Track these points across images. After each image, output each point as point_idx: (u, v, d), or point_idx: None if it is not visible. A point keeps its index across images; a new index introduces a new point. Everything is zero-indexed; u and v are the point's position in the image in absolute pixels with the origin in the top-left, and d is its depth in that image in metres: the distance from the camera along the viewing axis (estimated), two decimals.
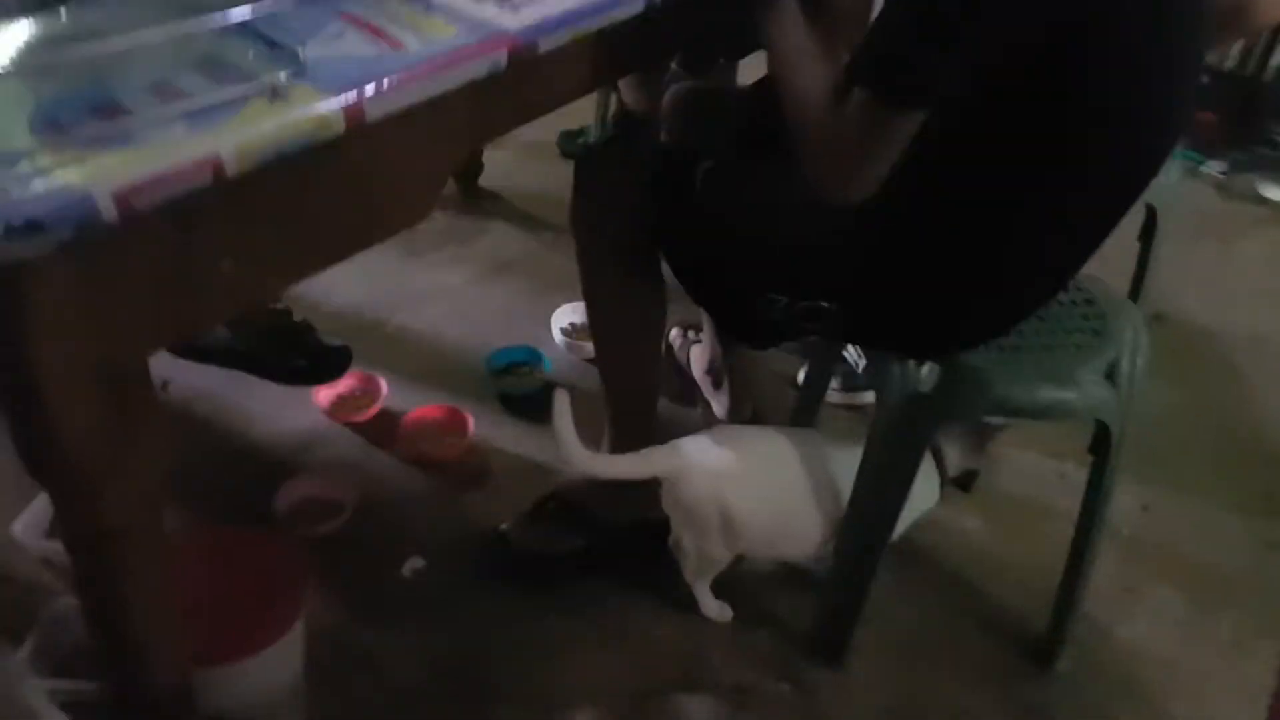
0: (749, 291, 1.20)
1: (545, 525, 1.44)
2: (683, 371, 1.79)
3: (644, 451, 1.33)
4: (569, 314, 1.90)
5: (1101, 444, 1.28)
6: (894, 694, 1.32)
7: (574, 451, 1.28)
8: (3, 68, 0.76)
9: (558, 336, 1.88)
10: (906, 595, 1.45)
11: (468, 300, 2.00)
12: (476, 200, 2.29)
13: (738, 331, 1.40)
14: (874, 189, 0.98)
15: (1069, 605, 1.36)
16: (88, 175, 0.66)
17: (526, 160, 2.37)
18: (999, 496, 1.62)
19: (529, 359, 1.80)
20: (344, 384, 1.71)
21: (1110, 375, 1.22)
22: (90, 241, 0.66)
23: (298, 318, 1.73)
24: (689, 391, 1.76)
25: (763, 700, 1.30)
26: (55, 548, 1.25)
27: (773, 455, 1.36)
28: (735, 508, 1.30)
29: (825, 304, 1.17)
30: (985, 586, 1.49)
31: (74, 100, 0.72)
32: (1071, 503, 1.34)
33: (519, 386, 1.76)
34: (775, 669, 1.34)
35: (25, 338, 0.68)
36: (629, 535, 1.44)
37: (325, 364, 1.70)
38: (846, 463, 1.32)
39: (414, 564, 1.44)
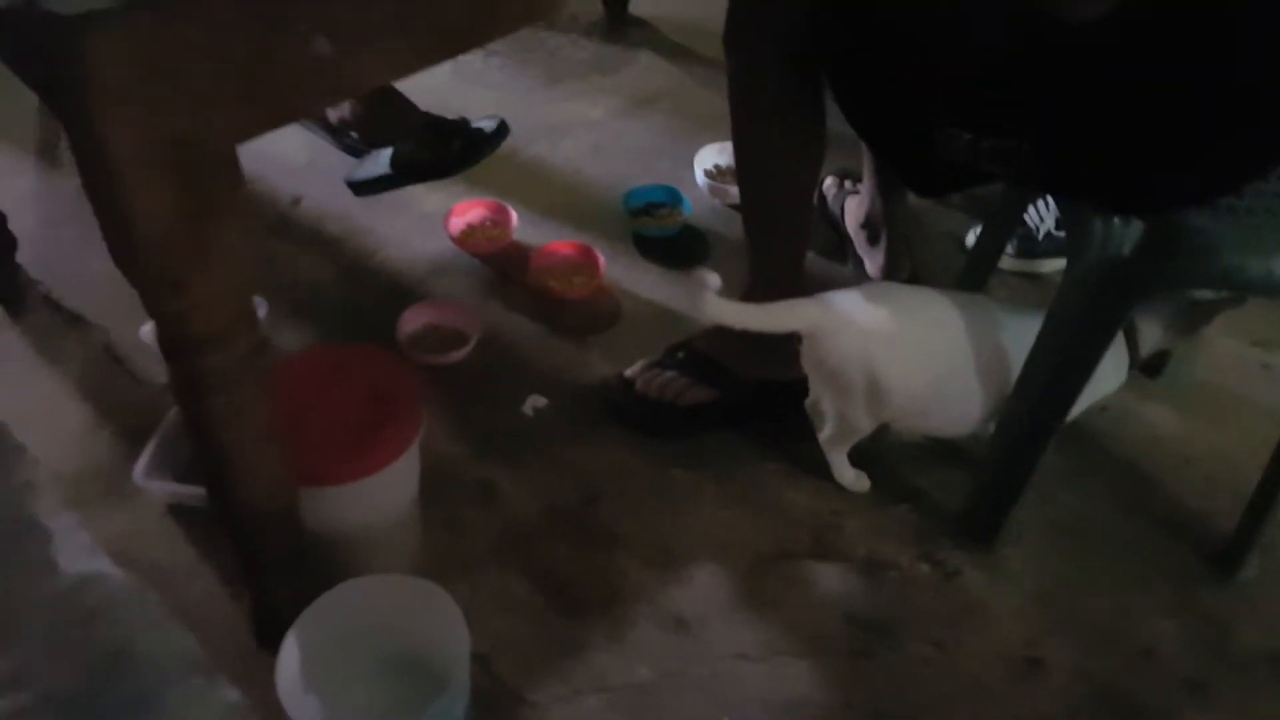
0: (926, 122, 1.04)
1: (673, 374, 1.35)
2: (836, 224, 1.65)
3: (787, 302, 1.20)
4: (714, 154, 1.78)
5: None
6: (1045, 584, 1.20)
7: (710, 300, 1.16)
8: None
9: (700, 178, 1.76)
10: (1072, 482, 1.31)
11: (608, 134, 1.89)
12: (624, 27, 2.12)
13: (908, 174, 1.23)
14: None
15: (1265, 507, 1.19)
16: None
17: None
18: (1191, 384, 1.44)
19: (668, 199, 1.70)
20: (474, 213, 1.65)
21: None
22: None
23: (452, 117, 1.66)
24: (841, 246, 1.62)
25: (900, 577, 1.20)
26: None
27: (933, 317, 1.21)
28: (884, 372, 1.17)
29: (1017, 141, 0.99)
30: (1164, 480, 1.32)
31: None
32: (1275, 397, 1.17)
33: (656, 228, 1.66)
34: (914, 546, 1.23)
35: (89, 102, 0.61)
36: (762, 393, 1.34)
37: (481, 138, 1.63)
38: (1020, 333, 1.16)
39: (535, 402, 1.38)
